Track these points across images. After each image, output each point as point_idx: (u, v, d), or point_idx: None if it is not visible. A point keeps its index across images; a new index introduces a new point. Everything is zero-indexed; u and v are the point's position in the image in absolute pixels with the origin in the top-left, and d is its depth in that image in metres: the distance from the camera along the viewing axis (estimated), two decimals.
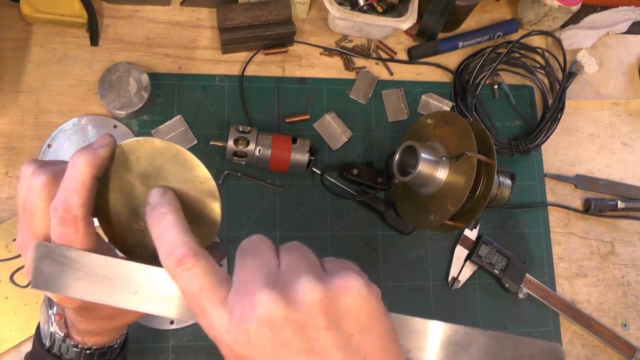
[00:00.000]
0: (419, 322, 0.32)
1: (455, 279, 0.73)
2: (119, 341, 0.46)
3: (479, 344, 0.32)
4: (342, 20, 0.74)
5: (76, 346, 0.42)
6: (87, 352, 0.43)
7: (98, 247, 0.34)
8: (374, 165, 0.75)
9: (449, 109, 0.79)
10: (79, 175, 0.33)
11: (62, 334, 0.42)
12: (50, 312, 0.43)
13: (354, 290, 0.28)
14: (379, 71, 0.80)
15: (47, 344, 0.43)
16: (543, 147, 0.81)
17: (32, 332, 0.60)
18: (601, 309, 0.78)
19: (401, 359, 0.29)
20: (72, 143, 0.68)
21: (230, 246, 0.69)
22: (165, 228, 0.30)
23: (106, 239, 0.37)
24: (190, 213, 0.35)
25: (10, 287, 0.62)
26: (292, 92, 0.76)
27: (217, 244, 0.39)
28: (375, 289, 0.29)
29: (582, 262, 0.79)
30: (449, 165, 0.64)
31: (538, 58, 0.84)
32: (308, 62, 0.78)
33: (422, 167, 0.63)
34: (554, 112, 0.80)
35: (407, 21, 0.74)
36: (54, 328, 0.43)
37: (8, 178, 0.66)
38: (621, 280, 0.79)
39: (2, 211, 0.65)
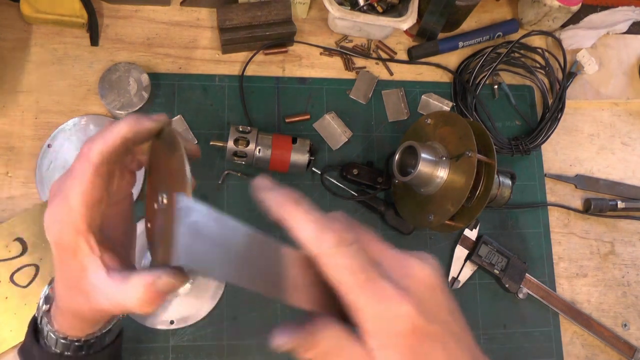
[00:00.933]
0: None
1: (455, 279, 0.73)
2: (104, 331, 0.44)
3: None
4: (342, 20, 0.74)
5: (65, 338, 0.42)
6: (76, 344, 0.42)
7: (100, 208, 0.35)
8: (374, 165, 0.75)
9: (449, 109, 0.79)
10: (112, 131, 0.35)
11: (51, 328, 0.42)
12: (44, 306, 0.43)
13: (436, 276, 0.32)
14: (379, 71, 0.80)
15: (38, 337, 0.43)
16: (543, 147, 0.81)
17: None
18: (601, 309, 0.78)
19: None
20: (72, 143, 0.68)
21: None
22: (306, 209, 0.30)
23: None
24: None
25: (10, 287, 0.62)
26: (292, 92, 0.76)
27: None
28: None
29: (582, 262, 0.79)
30: (449, 165, 0.64)
31: (538, 58, 0.84)
32: (308, 62, 0.78)
33: (422, 167, 0.63)
34: (554, 112, 0.80)
35: (407, 21, 0.74)
36: (44, 321, 0.43)
37: (8, 178, 0.66)
38: (621, 280, 0.79)
39: (2, 211, 0.65)
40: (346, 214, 0.31)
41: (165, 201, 0.34)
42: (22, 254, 0.63)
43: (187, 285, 0.66)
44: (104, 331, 0.44)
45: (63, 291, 0.39)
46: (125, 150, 0.36)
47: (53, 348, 0.42)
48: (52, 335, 0.42)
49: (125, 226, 0.41)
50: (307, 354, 0.30)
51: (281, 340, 0.30)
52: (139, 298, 0.33)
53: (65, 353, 0.42)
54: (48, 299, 0.43)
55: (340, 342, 0.30)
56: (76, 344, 0.42)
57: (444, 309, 0.30)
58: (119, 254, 0.37)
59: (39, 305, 0.44)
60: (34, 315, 0.45)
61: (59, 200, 0.35)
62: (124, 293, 0.34)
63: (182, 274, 0.34)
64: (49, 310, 0.43)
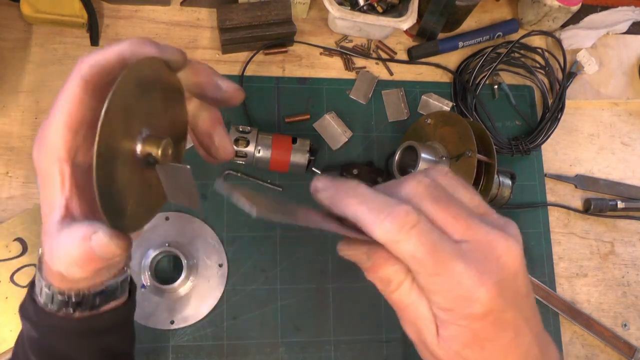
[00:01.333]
0: None
1: None
2: (94, 291, 0.37)
3: None
4: (342, 20, 0.74)
5: (49, 287, 0.36)
6: (59, 297, 0.36)
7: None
8: (374, 165, 0.75)
9: (449, 109, 0.79)
10: (111, 46, 0.30)
11: (39, 274, 0.37)
12: (40, 250, 0.38)
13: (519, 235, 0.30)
14: (379, 71, 0.80)
15: (36, 297, 0.38)
16: (543, 147, 0.81)
17: None
18: (601, 309, 0.78)
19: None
20: None
21: (230, 247, 0.69)
22: (364, 197, 0.28)
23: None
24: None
25: (11, 287, 0.62)
26: (292, 92, 0.76)
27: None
28: None
29: (582, 262, 0.79)
30: (449, 165, 0.64)
31: (538, 58, 0.84)
32: (308, 62, 0.78)
33: (422, 167, 0.63)
34: (554, 112, 0.80)
35: (407, 21, 0.74)
36: (37, 268, 0.38)
37: (8, 178, 0.66)
38: (621, 280, 0.79)
39: (3, 211, 0.65)
40: (419, 176, 0.29)
41: (160, 150, 0.29)
42: (22, 254, 0.63)
43: (188, 285, 0.66)
44: (94, 291, 0.37)
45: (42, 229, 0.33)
46: (120, 70, 0.29)
47: (39, 298, 0.37)
48: (39, 283, 0.37)
49: None
50: (369, 271, 0.29)
51: (346, 248, 0.31)
52: (69, 253, 0.28)
53: (49, 306, 0.36)
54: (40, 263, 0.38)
55: (406, 285, 0.29)
56: (59, 297, 0.36)
57: (522, 294, 0.28)
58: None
59: (39, 251, 0.38)
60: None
61: (46, 120, 0.30)
62: (58, 243, 0.29)
63: (123, 238, 0.28)
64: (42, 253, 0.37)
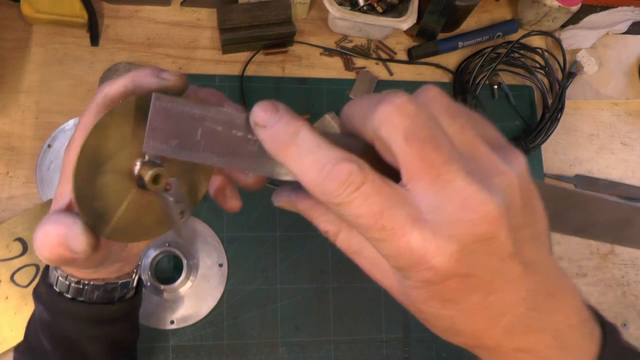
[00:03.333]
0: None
1: None
2: (98, 283, 0.40)
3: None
4: (342, 20, 0.74)
5: (78, 282, 0.39)
6: (67, 282, 0.40)
7: None
8: None
9: None
10: (123, 77, 0.32)
11: (64, 274, 0.40)
12: None
13: (528, 175, 0.25)
14: (379, 71, 0.80)
15: (50, 281, 0.41)
16: (543, 147, 0.81)
17: None
18: (601, 309, 0.77)
19: (549, 232, 0.27)
20: None
21: (230, 247, 0.69)
22: (304, 150, 0.24)
23: None
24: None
25: (11, 287, 0.62)
26: (292, 92, 0.76)
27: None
28: None
29: (582, 262, 0.79)
30: None
31: (538, 58, 0.84)
32: (308, 62, 0.78)
33: None
34: (553, 112, 0.80)
35: (407, 21, 0.74)
36: (58, 271, 0.40)
37: (8, 178, 0.66)
38: (621, 280, 0.79)
39: (3, 211, 0.65)
40: (400, 99, 0.24)
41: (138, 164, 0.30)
42: (22, 253, 0.63)
43: (188, 285, 0.66)
44: (97, 283, 0.40)
45: None
46: None
47: (51, 281, 0.40)
48: (54, 271, 0.40)
49: None
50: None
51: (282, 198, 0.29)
52: (47, 233, 0.29)
53: (62, 292, 0.39)
54: None
55: (344, 234, 0.27)
56: (74, 284, 0.39)
57: (502, 256, 0.23)
58: None
59: None
60: None
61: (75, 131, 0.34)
62: (47, 223, 0.30)
63: (92, 237, 0.29)
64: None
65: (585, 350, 0.28)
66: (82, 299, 0.40)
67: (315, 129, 0.25)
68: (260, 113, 0.26)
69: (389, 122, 0.23)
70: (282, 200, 0.29)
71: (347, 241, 0.28)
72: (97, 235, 0.30)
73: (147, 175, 0.30)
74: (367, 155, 0.24)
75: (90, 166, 0.29)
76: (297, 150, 0.24)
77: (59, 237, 0.29)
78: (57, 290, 0.40)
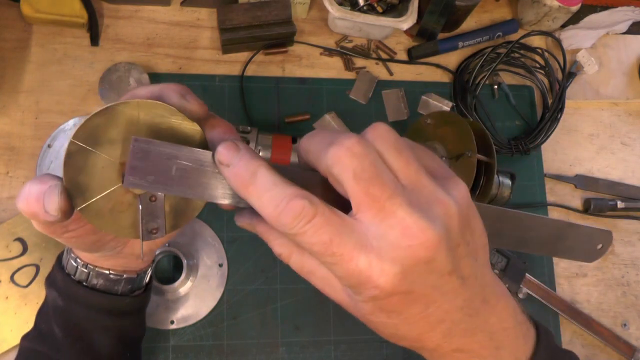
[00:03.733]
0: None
1: None
2: (109, 272, 0.43)
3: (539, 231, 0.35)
4: (342, 20, 0.74)
5: (75, 260, 0.42)
6: (83, 269, 0.42)
7: None
8: None
9: (448, 109, 0.79)
10: (139, 90, 0.34)
11: (74, 256, 0.43)
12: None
13: (469, 200, 0.29)
14: (379, 71, 0.80)
15: (64, 266, 0.44)
16: (543, 147, 0.81)
17: None
18: (601, 309, 0.78)
19: (488, 246, 0.31)
20: None
21: (230, 247, 0.69)
22: (262, 188, 0.27)
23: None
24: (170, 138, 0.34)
25: (11, 287, 0.62)
26: (292, 92, 0.76)
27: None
28: None
29: (582, 262, 0.79)
30: (449, 165, 0.64)
31: (538, 58, 0.84)
32: (308, 62, 0.78)
33: None
34: (553, 112, 0.80)
35: (407, 21, 0.74)
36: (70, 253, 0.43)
37: (8, 178, 0.66)
38: (621, 280, 0.79)
39: (3, 211, 0.65)
40: (350, 142, 0.27)
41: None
42: (22, 254, 0.63)
43: (188, 285, 0.66)
44: (101, 271, 0.42)
45: None
46: None
47: (66, 269, 0.43)
48: (67, 254, 0.42)
49: None
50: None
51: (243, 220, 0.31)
52: (31, 188, 0.31)
53: (78, 278, 0.42)
54: None
55: (296, 256, 0.29)
56: (83, 269, 0.42)
57: (440, 273, 0.27)
58: None
59: None
60: None
61: None
62: (36, 181, 0.32)
63: (68, 203, 0.31)
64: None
65: (521, 349, 0.32)
66: (86, 284, 0.42)
67: (272, 167, 0.28)
68: (224, 152, 0.28)
69: (339, 162, 0.26)
70: (243, 222, 0.32)
71: (299, 263, 0.30)
72: (71, 204, 0.31)
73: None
74: (323, 185, 0.29)
75: (88, 139, 0.31)
76: (255, 188, 0.27)
77: (38, 193, 0.30)
78: (68, 273, 0.43)
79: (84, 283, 0.43)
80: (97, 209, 0.32)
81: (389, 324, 0.29)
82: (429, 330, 0.29)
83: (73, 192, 0.31)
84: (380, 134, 0.28)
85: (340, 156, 0.26)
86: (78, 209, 0.32)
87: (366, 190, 0.26)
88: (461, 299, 0.28)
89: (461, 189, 0.29)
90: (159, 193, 0.33)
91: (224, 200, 0.31)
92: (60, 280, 0.43)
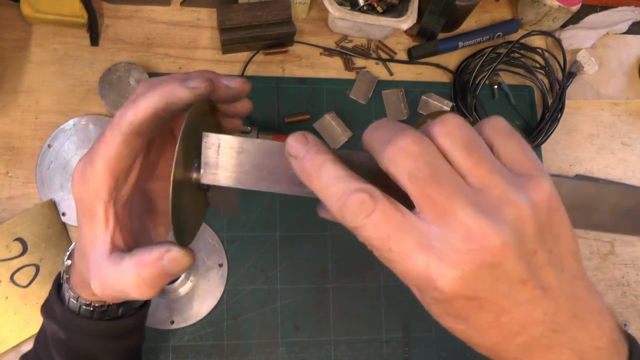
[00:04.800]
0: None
1: None
2: (117, 302, 0.42)
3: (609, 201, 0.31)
4: (342, 20, 0.74)
5: (76, 298, 0.41)
6: (85, 307, 0.41)
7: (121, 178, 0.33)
8: None
9: (449, 109, 0.79)
10: (145, 99, 0.32)
11: (68, 285, 0.41)
12: (67, 261, 0.42)
13: (553, 203, 0.27)
14: (379, 71, 0.80)
15: (65, 300, 0.42)
16: (543, 147, 0.81)
17: (32, 332, 0.61)
18: None
19: (580, 256, 0.28)
20: (73, 143, 0.68)
21: (230, 247, 0.69)
22: (327, 182, 0.27)
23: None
24: None
25: (11, 287, 0.62)
26: (292, 92, 0.76)
27: None
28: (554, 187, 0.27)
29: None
30: None
31: (538, 58, 0.84)
32: (308, 62, 0.78)
33: None
34: (553, 112, 0.80)
35: (407, 21, 0.74)
36: (64, 277, 0.42)
37: (8, 178, 0.66)
38: (621, 280, 0.79)
39: (3, 211, 0.65)
40: (411, 138, 0.26)
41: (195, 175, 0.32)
42: (22, 254, 0.63)
43: (188, 285, 0.66)
44: (117, 302, 0.41)
45: (76, 250, 0.37)
46: (159, 121, 0.33)
47: (67, 305, 0.41)
48: (67, 293, 0.41)
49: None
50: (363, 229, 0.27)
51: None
52: (141, 276, 0.31)
53: (81, 313, 0.41)
54: (72, 255, 0.41)
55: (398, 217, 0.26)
56: (85, 307, 0.40)
57: (511, 281, 0.25)
58: (149, 232, 0.37)
59: (63, 258, 0.42)
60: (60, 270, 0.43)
61: (88, 158, 0.33)
62: (121, 272, 0.32)
63: (190, 251, 0.32)
64: (70, 266, 0.41)
65: None
66: (84, 315, 0.41)
67: (339, 160, 0.28)
68: (293, 144, 0.29)
69: (395, 163, 0.25)
70: (326, 214, 0.32)
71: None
72: (189, 248, 0.32)
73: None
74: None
75: (175, 192, 0.30)
76: (319, 183, 0.27)
77: (157, 273, 0.32)
78: (68, 307, 0.41)
79: (85, 315, 0.41)
80: (195, 225, 0.34)
81: (459, 330, 0.28)
82: (503, 341, 0.27)
83: (181, 239, 0.32)
84: (449, 130, 0.26)
85: (395, 156, 0.25)
86: (188, 244, 0.33)
87: (422, 191, 0.25)
88: (542, 312, 0.26)
89: (542, 189, 0.26)
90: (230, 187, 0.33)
91: (295, 192, 0.31)
92: (60, 314, 0.41)
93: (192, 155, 0.32)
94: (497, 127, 0.27)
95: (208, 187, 0.34)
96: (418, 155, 0.25)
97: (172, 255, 0.32)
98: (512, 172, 0.27)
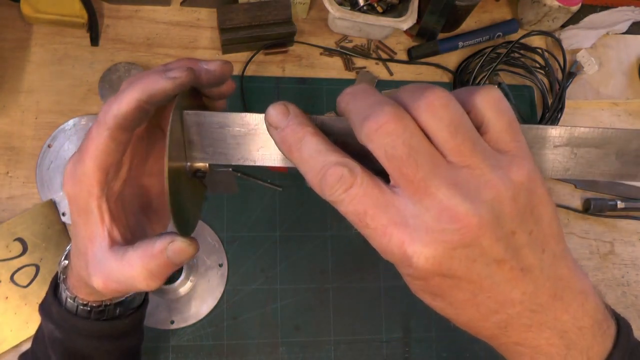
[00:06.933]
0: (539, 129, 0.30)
1: None
2: (115, 302, 0.42)
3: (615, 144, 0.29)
4: (342, 20, 0.74)
5: (73, 299, 0.41)
6: (82, 307, 0.41)
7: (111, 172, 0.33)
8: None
9: None
10: (126, 93, 0.32)
11: (65, 285, 0.41)
12: (64, 261, 0.42)
13: (534, 183, 0.26)
14: (379, 71, 0.80)
15: (61, 300, 0.42)
16: None
17: (32, 332, 0.61)
18: None
19: (563, 237, 0.28)
20: (73, 143, 0.68)
21: (230, 247, 0.69)
22: (307, 154, 0.27)
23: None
24: None
25: (11, 287, 0.62)
26: (292, 92, 0.76)
27: None
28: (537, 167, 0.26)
29: (582, 262, 0.79)
30: None
31: (538, 58, 0.84)
32: (308, 62, 0.78)
33: None
34: (553, 112, 0.80)
35: (407, 21, 0.74)
36: (61, 278, 0.42)
37: (8, 178, 0.66)
38: (621, 280, 0.79)
39: (3, 211, 0.65)
40: (391, 112, 0.25)
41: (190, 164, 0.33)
42: (22, 254, 0.63)
43: (188, 285, 0.66)
44: (114, 302, 0.41)
45: (73, 250, 0.37)
46: (143, 114, 0.32)
47: (64, 305, 0.41)
48: (64, 293, 0.41)
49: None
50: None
51: None
52: (146, 268, 0.32)
53: (78, 313, 0.41)
54: (68, 255, 0.41)
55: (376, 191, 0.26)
56: (82, 307, 0.40)
57: (488, 259, 0.25)
58: (145, 229, 0.37)
59: (60, 259, 0.42)
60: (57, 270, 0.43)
61: (78, 157, 0.33)
62: (124, 265, 0.32)
63: (194, 240, 0.32)
64: (67, 267, 0.41)
65: (595, 349, 0.29)
66: (81, 315, 0.41)
67: (320, 132, 0.28)
68: (273, 114, 0.28)
69: (372, 140, 0.25)
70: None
71: None
72: (192, 237, 0.33)
73: (206, 164, 0.33)
74: None
75: (171, 184, 0.30)
76: (300, 155, 0.27)
77: (163, 264, 0.32)
78: (65, 307, 0.41)
79: (82, 315, 0.41)
80: (194, 213, 0.34)
81: (436, 306, 0.28)
82: (480, 318, 0.27)
83: (183, 230, 0.32)
84: (434, 110, 0.25)
85: (373, 133, 0.25)
86: (191, 233, 0.33)
87: (399, 170, 0.25)
88: (519, 292, 0.26)
89: (524, 171, 0.26)
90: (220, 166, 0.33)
91: (278, 163, 0.31)
92: (56, 314, 0.41)
93: (183, 145, 0.32)
94: (492, 101, 0.26)
95: (204, 175, 0.34)
96: (396, 134, 0.25)
97: (177, 246, 0.32)
98: (497, 150, 0.26)
